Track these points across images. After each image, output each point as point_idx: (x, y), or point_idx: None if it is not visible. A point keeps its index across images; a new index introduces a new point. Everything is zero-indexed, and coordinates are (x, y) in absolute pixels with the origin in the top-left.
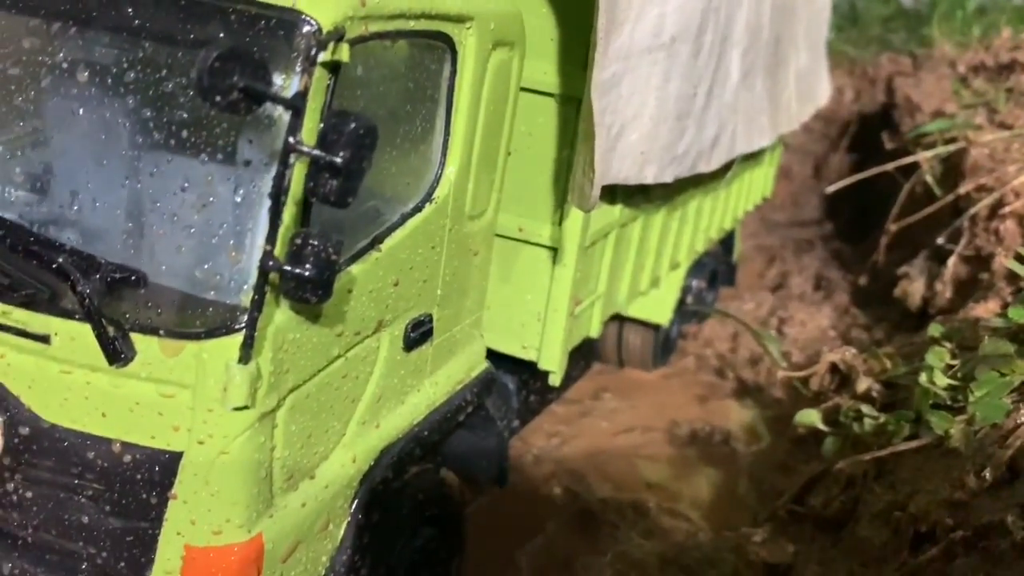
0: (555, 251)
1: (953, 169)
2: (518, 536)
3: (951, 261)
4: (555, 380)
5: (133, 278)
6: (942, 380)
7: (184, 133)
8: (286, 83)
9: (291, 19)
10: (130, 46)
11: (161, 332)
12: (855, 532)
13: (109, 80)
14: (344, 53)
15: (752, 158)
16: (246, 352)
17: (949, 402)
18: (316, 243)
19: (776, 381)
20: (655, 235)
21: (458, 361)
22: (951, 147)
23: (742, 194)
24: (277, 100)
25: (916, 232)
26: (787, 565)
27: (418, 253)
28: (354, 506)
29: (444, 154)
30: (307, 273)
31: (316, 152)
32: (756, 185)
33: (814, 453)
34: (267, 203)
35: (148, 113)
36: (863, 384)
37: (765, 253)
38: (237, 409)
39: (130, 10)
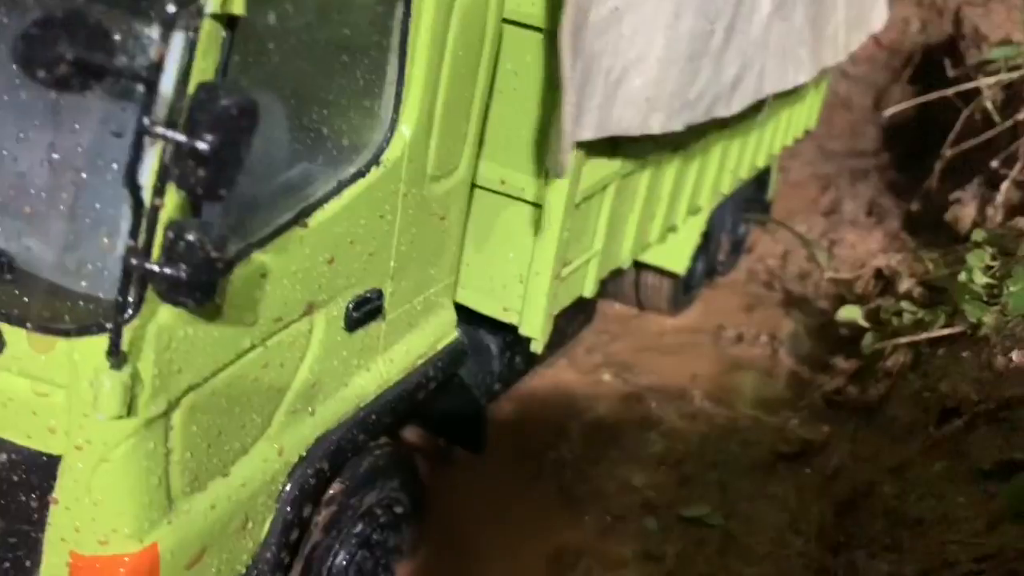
0: (540, 208)
1: (1015, 96)
2: (570, 411)
3: (1004, 186)
4: (536, 348)
5: None
6: (980, 279)
7: (50, 91)
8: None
9: None
10: None
11: (29, 325)
12: (886, 413)
13: None
14: (237, 2)
15: (791, 91)
16: (115, 358)
17: (985, 299)
18: (192, 238)
19: (822, 294)
20: (668, 182)
21: (420, 334)
22: (1014, 74)
23: (779, 129)
24: (123, 73)
25: (972, 160)
26: (821, 442)
27: (360, 225)
28: (280, 501)
29: (397, 111)
30: (179, 274)
31: (175, 136)
32: (797, 118)
33: (854, 353)
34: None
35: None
36: (905, 284)
37: (820, 181)
38: (117, 418)
39: None
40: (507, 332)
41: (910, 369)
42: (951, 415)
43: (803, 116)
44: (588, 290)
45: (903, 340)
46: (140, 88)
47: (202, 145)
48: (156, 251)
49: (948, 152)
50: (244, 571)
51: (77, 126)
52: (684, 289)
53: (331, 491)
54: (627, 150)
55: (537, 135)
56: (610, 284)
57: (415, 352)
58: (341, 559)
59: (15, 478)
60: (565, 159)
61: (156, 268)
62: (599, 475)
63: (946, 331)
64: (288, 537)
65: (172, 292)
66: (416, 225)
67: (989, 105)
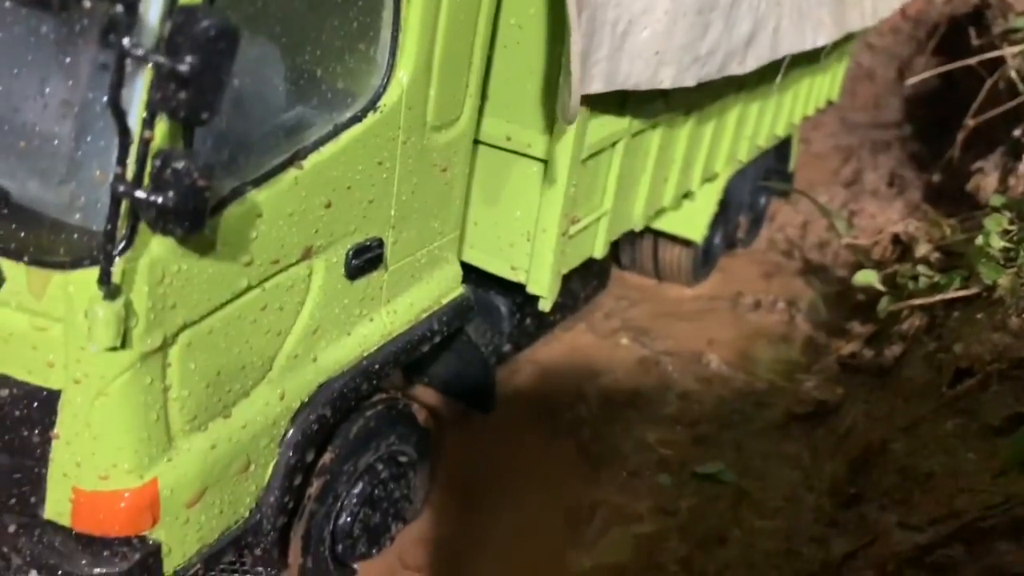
0: (546, 164)
1: None
2: (588, 373)
3: None
4: (545, 306)
5: None
6: (997, 242)
7: (42, 24)
8: None
9: None
10: None
11: (26, 259)
12: (900, 374)
13: None
14: None
15: (813, 58)
16: (107, 288)
17: (1002, 262)
18: (179, 166)
19: (841, 262)
20: (681, 144)
21: (424, 287)
22: None
23: (800, 97)
24: None
25: (995, 130)
26: (836, 403)
27: (357, 170)
28: (283, 445)
29: (393, 54)
30: (165, 202)
31: (155, 58)
32: (819, 87)
33: (870, 317)
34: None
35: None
36: (922, 249)
37: (842, 152)
38: (110, 349)
39: None
40: (517, 293)
41: (925, 332)
42: (964, 375)
43: (825, 87)
44: (598, 251)
45: (918, 302)
46: (119, 9)
47: (182, 67)
48: (146, 179)
49: (971, 122)
50: (247, 514)
51: (68, 59)
52: (703, 260)
53: (322, 461)
54: (636, 107)
55: (543, 90)
56: (628, 256)
57: (419, 305)
58: (344, 521)
59: (17, 413)
60: (575, 103)
61: (143, 195)
62: (615, 434)
63: (962, 293)
64: (291, 481)
65: (159, 220)
66: (417, 175)
67: (1013, 74)
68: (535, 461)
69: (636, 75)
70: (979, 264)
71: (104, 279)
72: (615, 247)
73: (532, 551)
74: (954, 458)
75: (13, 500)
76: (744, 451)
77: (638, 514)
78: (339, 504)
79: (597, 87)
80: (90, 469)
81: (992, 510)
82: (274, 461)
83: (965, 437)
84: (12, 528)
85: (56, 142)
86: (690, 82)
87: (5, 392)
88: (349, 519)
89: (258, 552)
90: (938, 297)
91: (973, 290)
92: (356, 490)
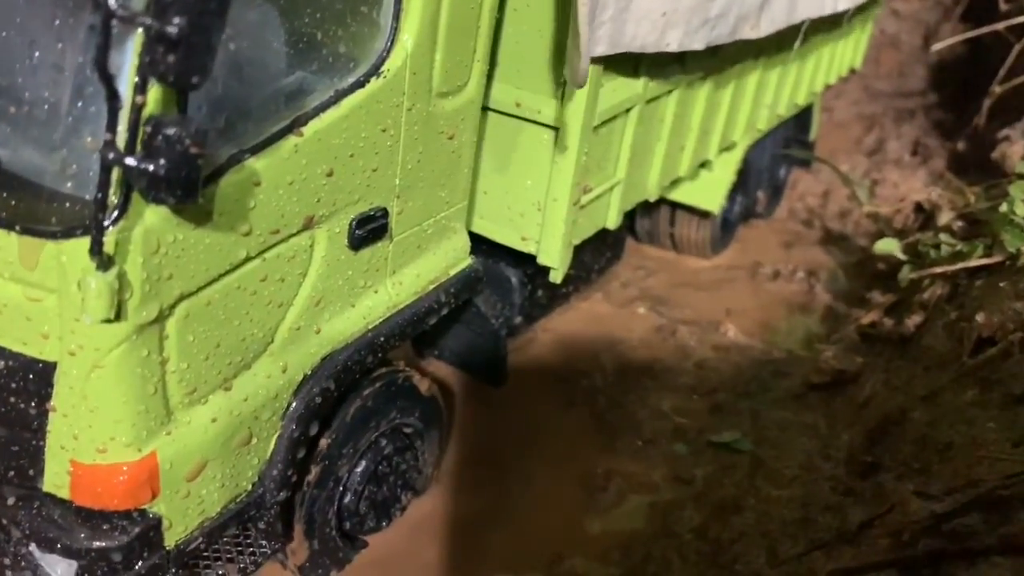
0: (557, 131)
1: None
2: (604, 341)
3: None
4: (556, 277)
5: None
6: (1022, 210)
7: None
8: None
9: None
10: None
11: (18, 228)
12: (920, 343)
13: None
14: None
15: (835, 24)
16: (99, 258)
17: None
18: (171, 132)
19: (862, 232)
20: (698, 112)
21: (431, 258)
22: None
23: (822, 65)
24: None
25: (1022, 98)
26: (855, 372)
27: (360, 138)
28: (286, 419)
29: (397, 18)
30: (157, 169)
31: (143, 19)
32: (841, 55)
33: (891, 287)
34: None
35: None
36: (945, 217)
37: (865, 121)
38: (105, 321)
39: None
40: (528, 265)
41: (946, 300)
42: (986, 344)
43: (848, 54)
44: (611, 221)
45: (940, 270)
46: None
47: (170, 29)
48: (138, 147)
49: (997, 89)
50: (250, 487)
51: (57, 23)
52: (721, 232)
53: (319, 447)
54: (650, 72)
55: (553, 54)
56: (645, 228)
57: (426, 276)
58: (348, 500)
59: (14, 385)
60: (584, 66)
61: (133, 162)
62: (631, 402)
63: (984, 261)
64: (294, 454)
65: (151, 188)
66: (423, 143)
67: None
68: (551, 430)
69: (642, 37)
70: (1003, 231)
71: (96, 249)
72: (631, 219)
73: (547, 519)
74: (973, 427)
75: (12, 472)
76: (761, 420)
77: (653, 482)
78: (341, 486)
79: (602, 50)
80: (88, 442)
81: (1012, 479)
82: (276, 434)
83: (985, 406)
84: (11, 500)
85: (47, 108)
86: (698, 45)
87: (1, 364)
88: (354, 498)
89: (261, 525)
90: (960, 265)
91: (996, 258)
92: (359, 469)
